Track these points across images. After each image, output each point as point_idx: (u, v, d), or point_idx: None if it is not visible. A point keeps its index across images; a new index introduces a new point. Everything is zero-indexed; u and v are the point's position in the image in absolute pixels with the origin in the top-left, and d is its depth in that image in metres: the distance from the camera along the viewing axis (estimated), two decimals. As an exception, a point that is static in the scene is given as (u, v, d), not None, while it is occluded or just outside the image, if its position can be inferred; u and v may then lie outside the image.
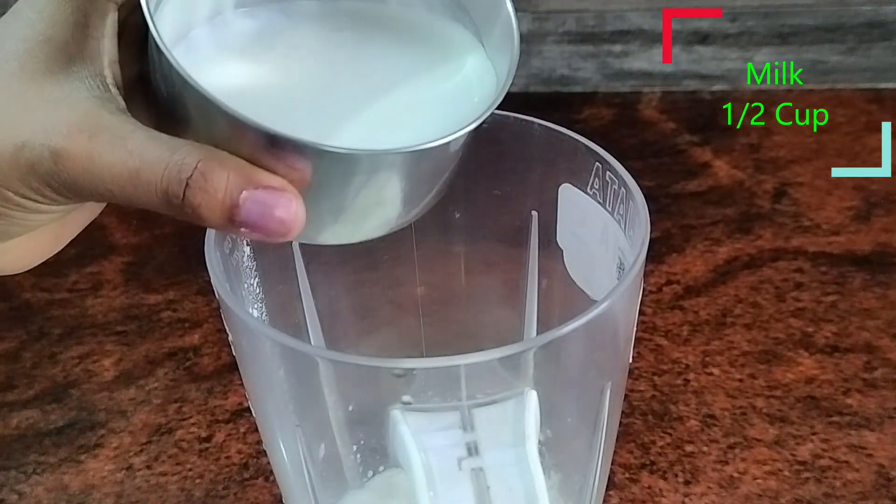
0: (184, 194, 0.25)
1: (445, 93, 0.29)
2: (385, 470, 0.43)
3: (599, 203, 0.36)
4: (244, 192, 0.25)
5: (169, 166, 0.25)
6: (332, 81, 0.29)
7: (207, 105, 0.25)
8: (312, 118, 0.28)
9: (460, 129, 0.26)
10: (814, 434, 0.47)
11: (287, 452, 0.37)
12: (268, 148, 0.25)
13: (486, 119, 0.27)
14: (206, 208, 0.25)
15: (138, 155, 0.25)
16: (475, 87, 0.29)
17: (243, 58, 0.29)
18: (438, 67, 0.30)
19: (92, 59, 0.27)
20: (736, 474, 0.45)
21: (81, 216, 0.31)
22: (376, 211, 0.29)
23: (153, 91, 0.28)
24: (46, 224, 0.29)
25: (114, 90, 0.27)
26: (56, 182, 0.26)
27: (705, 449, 0.46)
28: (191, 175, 0.25)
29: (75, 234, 0.32)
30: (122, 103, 0.27)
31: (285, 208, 0.26)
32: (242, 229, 0.26)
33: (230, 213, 0.25)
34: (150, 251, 0.62)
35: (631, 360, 0.37)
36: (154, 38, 0.25)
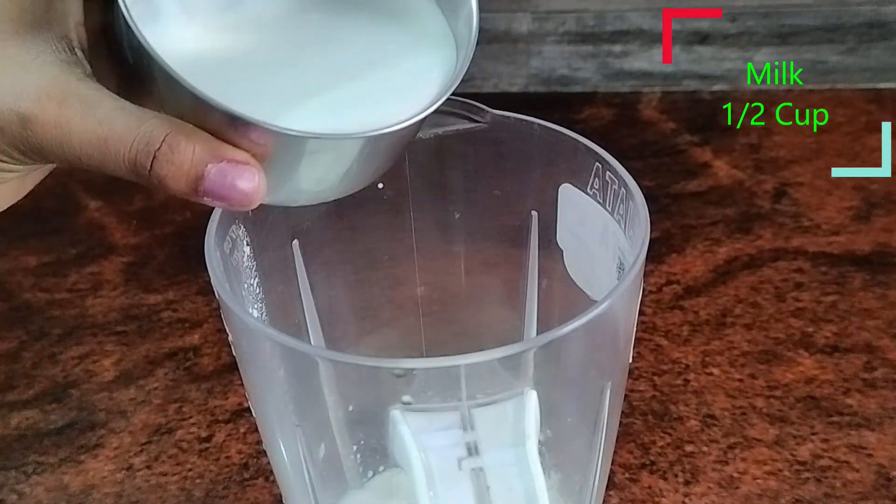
0: (151, 165, 0.26)
1: (407, 77, 0.30)
2: (385, 470, 0.43)
3: (599, 203, 0.36)
4: (209, 164, 0.26)
5: (137, 138, 0.26)
6: (297, 57, 0.30)
7: (174, 83, 0.25)
8: (274, 94, 0.28)
9: (408, 120, 0.28)
10: (814, 434, 0.47)
11: (287, 452, 0.37)
12: (231, 125, 0.26)
13: (438, 106, 0.28)
14: (173, 179, 0.26)
15: (107, 124, 0.26)
16: (436, 75, 0.30)
17: (210, 28, 0.29)
18: (404, 52, 0.30)
19: (58, 20, 0.27)
20: (736, 474, 0.45)
21: (44, 171, 0.31)
22: (331, 179, 0.30)
23: (117, 47, 0.28)
24: (9, 181, 0.29)
25: (79, 53, 0.27)
26: (24, 146, 0.27)
27: (705, 449, 0.46)
28: (158, 147, 0.26)
29: (35, 184, 0.32)
30: (88, 68, 0.27)
31: (248, 181, 0.27)
32: (206, 198, 0.27)
33: (195, 183, 0.26)
34: (149, 251, 0.61)
35: (631, 361, 0.37)
36: (124, 16, 0.25)
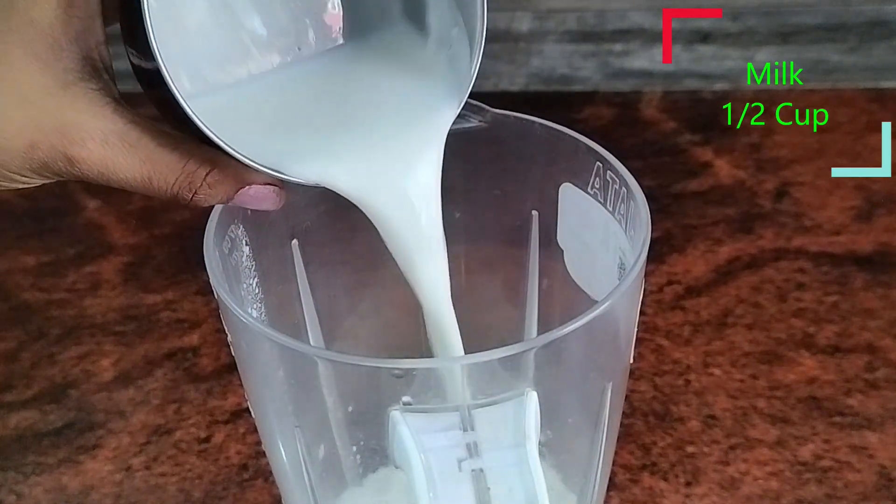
0: (191, 198, 0.29)
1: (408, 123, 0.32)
2: (382, 467, 0.43)
3: (600, 203, 0.36)
4: (239, 190, 0.29)
5: (180, 178, 0.28)
6: (311, 105, 0.33)
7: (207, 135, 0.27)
8: (293, 141, 0.31)
9: None
10: (815, 435, 0.47)
11: (286, 453, 0.37)
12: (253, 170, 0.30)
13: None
14: (206, 204, 0.30)
15: (150, 163, 0.28)
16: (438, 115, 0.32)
17: (234, 76, 0.32)
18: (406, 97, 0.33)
19: (78, 42, 0.27)
20: (737, 475, 0.45)
21: None
22: None
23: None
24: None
25: (105, 77, 0.28)
26: (67, 176, 0.28)
27: (706, 450, 0.46)
28: (200, 185, 0.29)
29: None
30: (116, 90, 0.28)
31: (271, 201, 0.30)
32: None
33: (225, 203, 0.30)
34: (148, 251, 0.61)
35: (632, 361, 0.37)
36: (172, 91, 0.26)
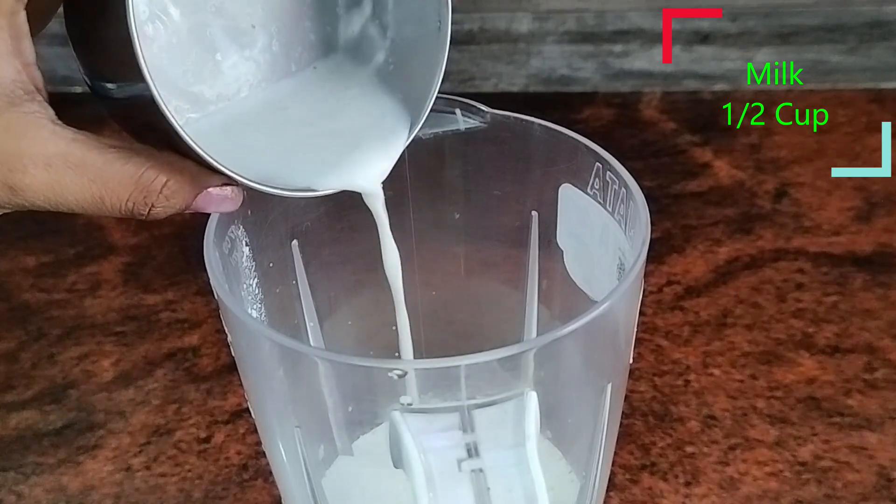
0: (148, 212, 0.28)
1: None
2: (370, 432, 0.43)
3: (600, 203, 0.36)
4: (197, 195, 0.29)
5: (133, 194, 0.27)
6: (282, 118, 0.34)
7: (178, 138, 0.27)
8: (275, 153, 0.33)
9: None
10: (814, 435, 0.47)
11: (286, 453, 0.37)
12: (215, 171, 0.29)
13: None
14: (164, 215, 0.29)
15: (100, 182, 0.27)
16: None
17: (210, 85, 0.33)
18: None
19: (7, 68, 0.26)
20: (737, 475, 0.45)
21: None
22: None
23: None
24: None
25: (38, 98, 0.27)
26: (11, 207, 0.27)
27: (706, 450, 0.46)
28: (155, 198, 0.27)
29: None
30: (52, 111, 0.27)
31: (230, 202, 0.30)
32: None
33: (184, 211, 0.29)
34: (148, 251, 0.61)
35: (631, 361, 0.37)
36: (165, 114, 0.26)
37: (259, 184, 0.29)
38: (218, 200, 0.29)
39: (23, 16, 0.26)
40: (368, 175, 0.33)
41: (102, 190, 0.27)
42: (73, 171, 0.26)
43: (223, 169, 0.28)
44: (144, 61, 0.25)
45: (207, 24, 0.32)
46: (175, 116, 0.26)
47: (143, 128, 0.28)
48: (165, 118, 0.26)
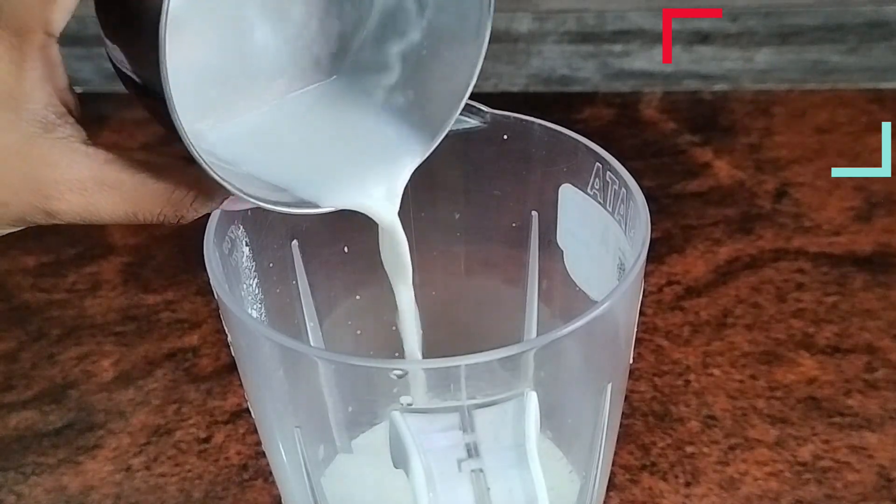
0: (178, 221, 0.29)
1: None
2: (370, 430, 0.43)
3: (600, 203, 0.36)
4: (225, 200, 0.30)
5: (165, 208, 0.28)
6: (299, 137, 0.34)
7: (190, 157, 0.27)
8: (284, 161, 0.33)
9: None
10: (815, 435, 0.47)
11: (286, 453, 0.37)
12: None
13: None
14: (192, 219, 0.30)
15: (133, 201, 0.28)
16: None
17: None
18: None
19: (38, 93, 0.26)
20: (737, 475, 0.45)
21: None
22: None
23: None
24: None
25: (71, 120, 0.27)
26: (46, 224, 0.28)
27: (706, 450, 0.46)
28: (187, 210, 0.29)
29: None
30: (84, 133, 0.27)
31: (242, 204, 0.30)
32: None
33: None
34: (148, 252, 0.61)
35: (631, 361, 0.37)
36: (172, 115, 0.26)
37: (263, 201, 0.30)
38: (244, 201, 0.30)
39: (55, 48, 0.26)
40: (374, 194, 0.33)
41: (136, 207, 0.28)
42: (107, 192, 0.27)
43: (229, 188, 0.28)
44: (168, 82, 0.25)
45: (232, 45, 0.32)
46: (191, 142, 0.26)
47: (158, 118, 0.28)
48: (180, 138, 0.26)
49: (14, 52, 0.26)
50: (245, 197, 0.29)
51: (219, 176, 0.27)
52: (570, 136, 0.37)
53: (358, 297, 0.44)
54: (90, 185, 0.27)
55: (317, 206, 0.32)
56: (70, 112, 0.27)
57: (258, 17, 0.32)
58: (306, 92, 0.35)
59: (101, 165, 0.27)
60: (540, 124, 0.38)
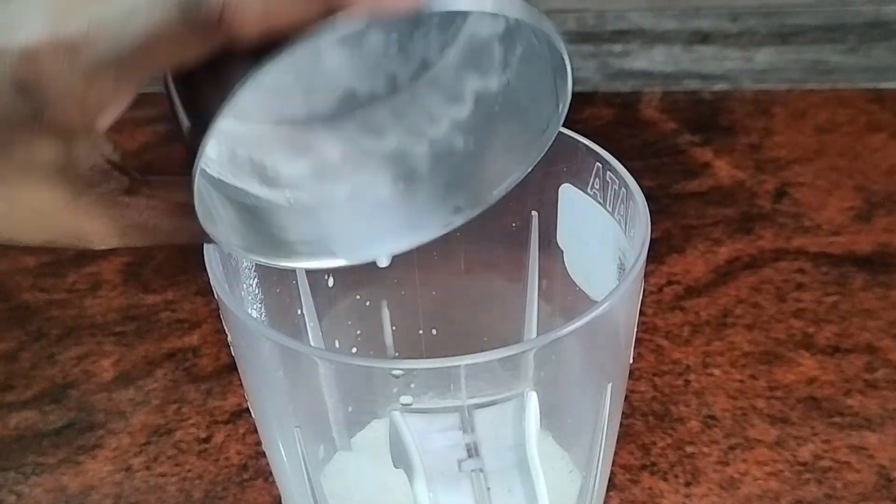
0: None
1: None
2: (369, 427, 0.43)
3: (600, 203, 0.36)
4: None
5: (194, 241, 0.29)
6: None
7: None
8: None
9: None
10: (815, 435, 0.47)
11: (286, 453, 0.37)
12: None
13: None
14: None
15: (167, 239, 0.29)
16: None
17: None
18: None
19: (84, 158, 0.27)
20: (737, 475, 0.45)
21: None
22: None
23: None
24: None
25: (115, 173, 0.28)
26: None
27: (706, 450, 0.46)
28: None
29: None
30: (126, 182, 0.28)
31: None
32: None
33: None
34: (148, 251, 0.61)
35: (631, 361, 0.37)
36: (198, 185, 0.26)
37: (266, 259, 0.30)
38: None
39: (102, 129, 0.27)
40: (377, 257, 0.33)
41: (170, 241, 0.29)
42: (147, 237, 0.29)
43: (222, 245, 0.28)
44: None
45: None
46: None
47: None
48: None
49: (60, 144, 0.26)
50: (245, 254, 0.29)
51: (213, 234, 0.27)
52: (570, 136, 0.36)
53: (358, 296, 0.44)
54: (130, 231, 0.28)
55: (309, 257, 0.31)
56: (114, 166, 0.28)
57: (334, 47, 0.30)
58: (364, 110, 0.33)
59: (141, 212, 0.28)
60: (540, 124, 0.37)
